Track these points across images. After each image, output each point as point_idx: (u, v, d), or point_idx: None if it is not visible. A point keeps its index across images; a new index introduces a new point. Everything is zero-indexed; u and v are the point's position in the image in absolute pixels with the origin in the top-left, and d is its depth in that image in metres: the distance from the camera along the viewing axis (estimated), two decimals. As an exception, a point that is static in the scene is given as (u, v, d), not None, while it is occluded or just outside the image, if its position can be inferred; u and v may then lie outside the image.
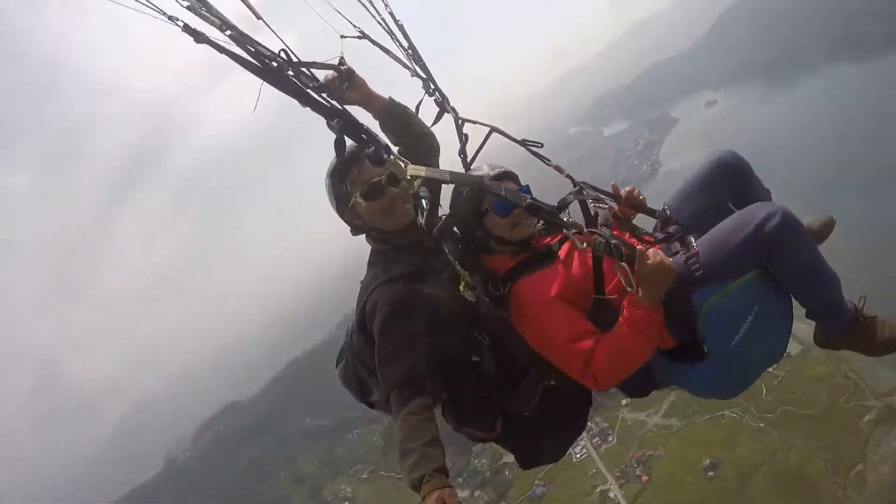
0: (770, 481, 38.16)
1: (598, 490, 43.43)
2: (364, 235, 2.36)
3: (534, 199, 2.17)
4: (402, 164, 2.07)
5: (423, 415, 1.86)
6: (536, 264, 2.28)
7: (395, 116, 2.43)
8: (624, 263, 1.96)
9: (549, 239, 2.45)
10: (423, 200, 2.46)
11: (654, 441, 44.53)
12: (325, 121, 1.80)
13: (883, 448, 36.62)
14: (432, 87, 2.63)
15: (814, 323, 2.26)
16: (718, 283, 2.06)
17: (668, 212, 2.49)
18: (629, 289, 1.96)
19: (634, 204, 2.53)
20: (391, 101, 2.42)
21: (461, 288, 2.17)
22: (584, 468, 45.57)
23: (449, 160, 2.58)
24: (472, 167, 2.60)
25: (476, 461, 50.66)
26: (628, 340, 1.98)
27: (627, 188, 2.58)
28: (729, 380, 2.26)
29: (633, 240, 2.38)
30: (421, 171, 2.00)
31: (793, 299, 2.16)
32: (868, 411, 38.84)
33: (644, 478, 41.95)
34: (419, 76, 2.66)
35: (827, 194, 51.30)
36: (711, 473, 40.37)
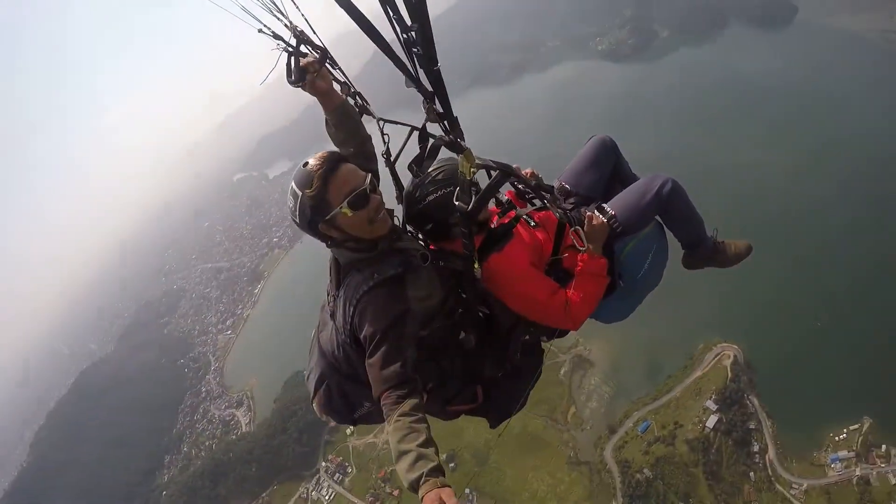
0: (504, 451, 38.95)
1: None
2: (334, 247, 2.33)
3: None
4: (470, 156, 2.20)
5: (417, 416, 1.89)
6: (498, 241, 2.65)
7: (349, 116, 2.49)
8: (577, 227, 2.69)
9: (502, 218, 2.85)
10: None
11: (389, 456, 39.89)
12: (422, 101, 1.92)
13: (584, 389, 43.43)
14: (352, 89, 2.59)
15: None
16: (632, 234, 2.89)
17: (567, 186, 3.21)
18: (581, 248, 2.67)
19: (537, 182, 3.01)
20: (346, 100, 2.49)
21: (475, 267, 2.45)
22: None
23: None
24: (432, 163, 2.59)
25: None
26: (592, 284, 2.68)
27: (528, 170, 3.01)
28: (632, 303, 3.14)
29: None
30: (482, 160, 2.35)
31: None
32: (562, 365, 44.78)
33: (395, 492, 43.82)
34: (342, 81, 2.60)
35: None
36: (452, 465, 42.02)
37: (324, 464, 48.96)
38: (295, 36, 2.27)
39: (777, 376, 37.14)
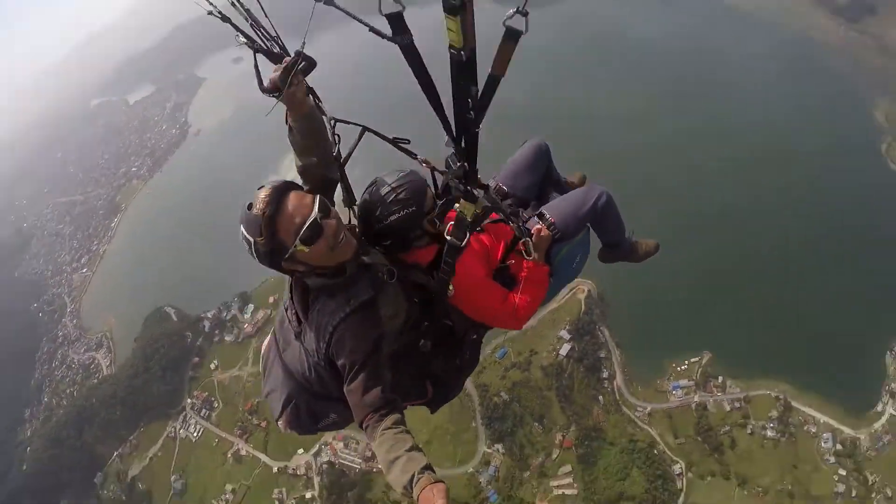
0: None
1: (229, 454, 44.64)
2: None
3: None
4: (481, 202, 2.26)
5: (399, 428, 1.98)
6: (454, 251, 2.52)
7: (315, 125, 2.31)
8: (527, 238, 2.84)
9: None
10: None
11: (256, 389, 44.50)
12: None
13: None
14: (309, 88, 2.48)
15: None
16: (567, 240, 3.15)
17: (505, 188, 3.33)
18: (528, 256, 2.84)
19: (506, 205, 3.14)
20: (314, 107, 2.30)
21: (450, 288, 2.49)
22: (206, 444, 45.78)
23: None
24: (377, 177, 2.62)
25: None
26: (537, 289, 2.90)
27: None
28: (552, 294, 3.30)
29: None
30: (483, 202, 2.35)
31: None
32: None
33: (262, 423, 44.25)
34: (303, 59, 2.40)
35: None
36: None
37: (189, 400, 48.23)
38: (266, 38, 2.18)
39: (626, 310, 40.01)
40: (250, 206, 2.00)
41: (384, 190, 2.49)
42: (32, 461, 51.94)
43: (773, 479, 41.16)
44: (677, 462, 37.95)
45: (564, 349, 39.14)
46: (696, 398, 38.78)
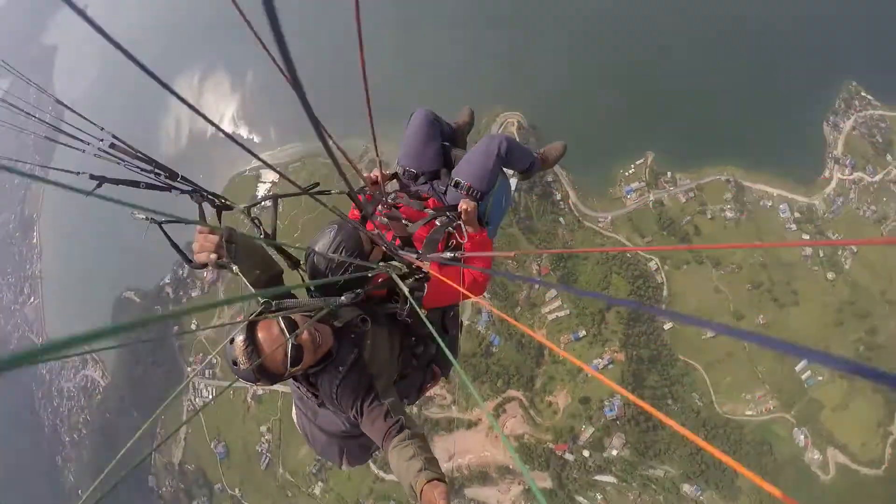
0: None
1: (248, 399, 45.95)
2: None
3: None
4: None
5: (405, 442, 2.26)
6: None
7: (249, 248, 2.49)
8: (458, 223, 3.11)
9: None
10: None
11: None
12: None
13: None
14: (204, 193, 2.63)
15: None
16: (488, 193, 3.31)
17: (413, 170, 3.53)
18: (465, 236, 3.09)
19: (386, 178, 3.33)
20: (239, 234, 2.42)
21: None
22: (224, 400, 46.46)
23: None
24: (312, 247, 2.77)
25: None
26: (483, 258, 3.36)
27: (375, 174, 3.12)
28: (494, 231, 3.59)
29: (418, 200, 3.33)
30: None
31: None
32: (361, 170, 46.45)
33: None
34: (185, 191, 2.58)
35: None
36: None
37: (189, 369, 48.47)
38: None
39: (560, 131, 40.79)
40: (235, 362, 2.21)
41: (328, 256, 2.66)
42: (90, 499, 51.76)
43: (744, 254, 43.91)
44: (651, 259, 40.12)
45: (512, 184, 40.27)
46: (651, 197, 40.68)
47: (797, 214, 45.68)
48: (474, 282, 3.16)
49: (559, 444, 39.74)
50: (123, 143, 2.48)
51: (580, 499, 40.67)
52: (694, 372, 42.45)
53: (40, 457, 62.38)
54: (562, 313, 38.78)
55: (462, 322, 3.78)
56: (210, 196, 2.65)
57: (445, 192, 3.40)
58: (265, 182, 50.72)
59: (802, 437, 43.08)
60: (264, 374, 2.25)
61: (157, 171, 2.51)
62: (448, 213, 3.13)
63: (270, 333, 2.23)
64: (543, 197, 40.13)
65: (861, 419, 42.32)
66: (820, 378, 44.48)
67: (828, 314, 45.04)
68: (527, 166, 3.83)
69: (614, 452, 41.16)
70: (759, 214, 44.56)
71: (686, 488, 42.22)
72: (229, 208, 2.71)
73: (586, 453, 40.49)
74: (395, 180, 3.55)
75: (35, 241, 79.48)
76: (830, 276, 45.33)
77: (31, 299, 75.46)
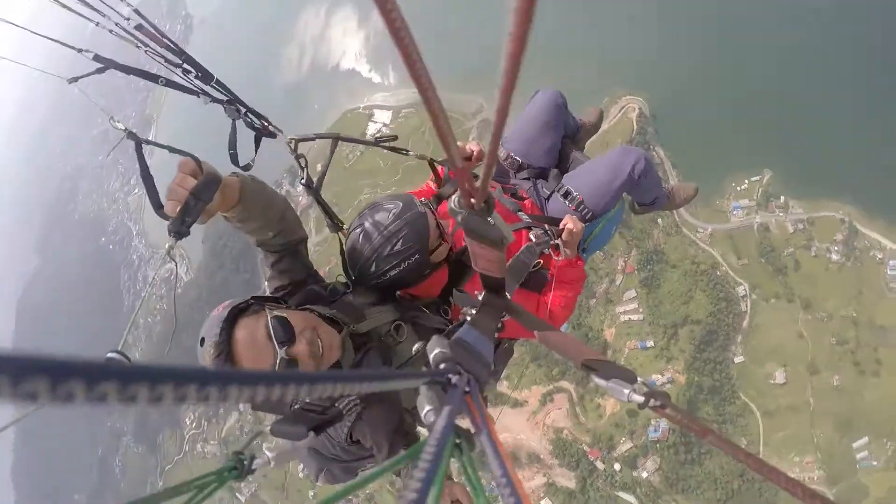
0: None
1: None
2: None
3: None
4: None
5: None
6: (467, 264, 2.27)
7: (257, 198, 1.85)
8: (556, 241, 2.43)
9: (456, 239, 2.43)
10: None
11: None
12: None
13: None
14: (242, 109, 2.19)
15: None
16: (603, 215, 2.77)
17: (518, 158, 2.90)
18: (559, 257, 2.46)
19: (481, 157, 2.51)
20: (243, 178, 1.81)
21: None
22: None
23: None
24: (364, 218, 2.19)
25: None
26: (570, 289, 2.59)
27: (474, 148, 2.46)
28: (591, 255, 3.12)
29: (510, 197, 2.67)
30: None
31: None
32: (469, 131, 44.44)
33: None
34: (217, 100, 2.15)
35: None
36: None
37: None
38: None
39: (681, 128, 38.07)
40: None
41: (376, 240, 2.08)
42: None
43: (838, 304, 40.29)
44: (741, 284, 37.19)
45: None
46: (758, 218, 37.51)
47: (903, 274, 41.67)
48: (553, 315, 2.54)
49: (594, 450, 38.02)
50: (150, 23, 2.04)
51: (599, 509, 39.03)
52: (750, 415, 39.66)
53: (109, 330, 65.55)
54: (636, 317, 36.53)
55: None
56: (249, 113, 2.17)
57: (549, 199, 2.87)
58: (376, 122, 49.69)
59: None
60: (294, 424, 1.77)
61: (186, 67, 2.05)
62: (547, 227, 2.53)
63: (253, 337, 1.71)
64: (646, 191, 37.56)
65: None
66: (875, 463, 41.04)
67: (907, 394, 41.28)
68: (651, 200, 3.26)
69: (644, 475, 39.24)
70: (867, 265, 40.72)
71: (707, 529, 40.02)
72: (272, 135, 2.24)
73: (617, 466, 38.68)
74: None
75: (151, 137, 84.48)
76: (923, 353, 41.30)
77: (136, 191, 79.83)
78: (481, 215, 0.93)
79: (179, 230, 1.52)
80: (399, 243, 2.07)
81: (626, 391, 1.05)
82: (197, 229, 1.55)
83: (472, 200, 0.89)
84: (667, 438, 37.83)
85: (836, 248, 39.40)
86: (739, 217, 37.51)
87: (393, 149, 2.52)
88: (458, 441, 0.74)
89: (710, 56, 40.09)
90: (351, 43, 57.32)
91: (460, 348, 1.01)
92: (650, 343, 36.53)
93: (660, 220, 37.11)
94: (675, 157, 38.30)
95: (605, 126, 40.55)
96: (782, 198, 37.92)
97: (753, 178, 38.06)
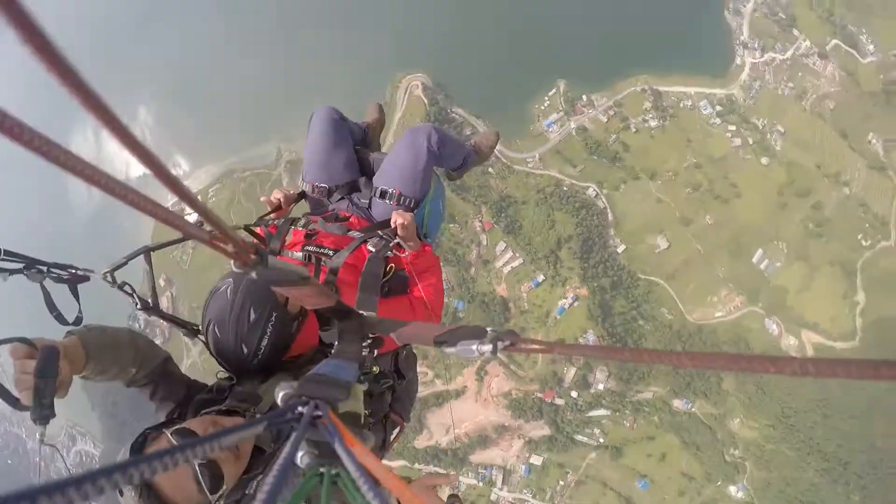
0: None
1: None
2: None
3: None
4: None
5: None
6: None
7: (103, 346, 1.80)
8: (394, 243, 2.47)
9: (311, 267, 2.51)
10: None
11: None
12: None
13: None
14: (44, 267, 2.11)
15: None
16: (424, 197, 2.82)
17: (324, 185, 2.92)
18: (404, 254, 2.52)
19: (291, 200, 2.81)
20: (80, 333, 1.75)
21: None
22: None
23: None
24: (208, 311, 2.12)
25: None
26: (430, 272, 2.65)
27: (278, 196, 2.74)
28: (434, 243, 3.08)
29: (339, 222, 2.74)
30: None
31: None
32: (280, 178, 42.85)
33: None
34: (14, 270, 2.04)
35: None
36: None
37: None
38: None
39: (466, 81, 39.65)
40: None
41: (231, 323, 1.95)
42: None
43: (676, 159, 43.94)
44: (588, 186, 39.48)
45: (432, 147, 38.82)
46: (572, 124, 39.78)
47: (718, 108, 46.08)
48: (428, 311, 2.60)
49: (547, 392, 39.45)
50: None
51: (580, 437, 40.75)
52: (657, 287, 42.68)
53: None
54: (516, 263, 37.84)
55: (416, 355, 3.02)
56: (52, 268, 2.08)
57: (370, 206, 2.90)
58: (190, 213, 46.97)
59: (774, 325, 44.32)
60: None
61: None
62: (380, 233, 2.53)
63: (177, 486, 1.58)
64: (465, 151, 38.58)
65: (826, 295, 43.82)
66: (777, 264, 45.70)
67: (770, 199, 46.01)
68: (460, 162, 3.30)
69: (601, 387, 41.35)
70: (682, 116, 44.56)
71: (677, 403, 43.01)
72: (85, 278, 2.15)
73: (574, 394, 40.45)
74: (303, 201, 2.97)
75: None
76: (764, 161, 46.18)
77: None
78: (262, 265, 0.94)
79: (41, 415, 1.45)
80: (252, 313, 1.97)
81: (474, 347, 1.06)
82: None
83: (252, 257, 0.91)
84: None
85: (650, 116, 42.75)
86: (556, 131, 39.61)
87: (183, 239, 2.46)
88: (333, 472, 0.82)
89: (458, 13, 41.42)
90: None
91: (307, 382, 1.03)
92: (540, 277, 38.09)
93: (491, 170, 38.43)
94: (475, 110, 39.59)
95: (398, 113, 41.10)
96: (584, 97, 40.38)
97: (551, 93, 40.19)
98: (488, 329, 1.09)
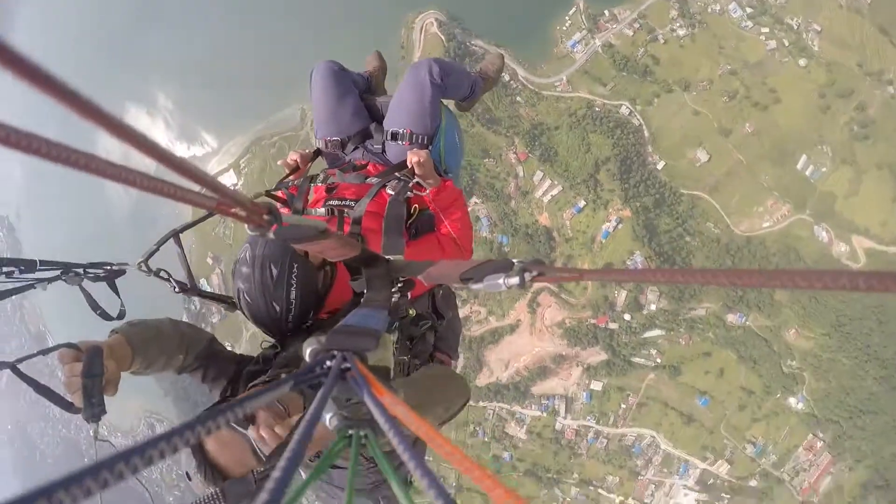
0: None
1: None
2: None
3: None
4: None
5: None
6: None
7: (148, 340, 1.83)
8: (413, 182, 2.49)
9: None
10: None
11: None
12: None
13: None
14: (80, 270, 2.13)
15: None
16: (436, 133, 2.79)
17: (335, 138, 2.90)
18: (425, 192, 2.55)
19: (307, 159, 2.80)
20: (122, 330, 1.80)
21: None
22: None
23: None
24: (235, 278, 2.13)
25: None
26: (455, 207, 2.63)
27: (294, 157, 2.75)
28: (460, 166, 3.16)
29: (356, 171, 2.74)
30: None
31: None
32: (306, 139, 42.95)
33: None
34: (53, 278, 2.08)
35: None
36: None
37: None
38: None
39: (482, 11, 38.09)
40: (214, 499, 1.59)
41: (256, 286, 1.98)
42: None
43: (710, 67, 42.02)
44: (621, 104, 38.35)
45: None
46: (598, 42, 38.29)
47: (749, 9, 43.52)
48: (457, 247, 2.58)
49: (600, 318, 39.58)
50: None
51: (637, 359, 40.98)
52: (701, 201, 41.66)
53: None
54: (555, 191, 37.43)
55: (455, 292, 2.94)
56: (88, 269, 2.11)
57: (384, 151, 2.89)
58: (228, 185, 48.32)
59: (824, 232, 42.95)
60: (244, 486, 1.57)
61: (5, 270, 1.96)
62: (398, 175, 2.53)
63: (220, 438, 1.68)
64: (492, 83, 37.82)
65: (875, 199, 42.13)
66: (823, 169, 43.87)
67: (812, 102, 43.82)
68: (468, 91, 3.26)
69: (653, 307, 41.17)
70: (712, 22, 42.32)
71: (731, 318, 42.58)
72: (121, 272, 2.22)
73: (627, 317, 40.47)
74: (319, 158, 2.95)
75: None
76: (802, 62, 43.78)
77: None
78: (276, 223, 0.94)
79: (92, 414, 1.52)
80: (273, 269, 2.01)
81: (500, 281, 1.04)
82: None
83: (264, 218, 0.91)
84: (649, 266, 39.59)
85: (678, 25, 40.73)
86: (581, 51, 38.25)
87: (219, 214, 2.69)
88: (362, 434, 0.79)
89: None
90: (157, 135, 55.24)
91: (334, 334, 1.03)
92: (581, 203, 37.67)
93: (519, 98, 37.61)
94: (494, 39, 38.49)
95: (417, 54, 40.43)
96: (605, 12, 38.75)
97: (571, 12, 38.66)
98: (514, 261, 1.04)
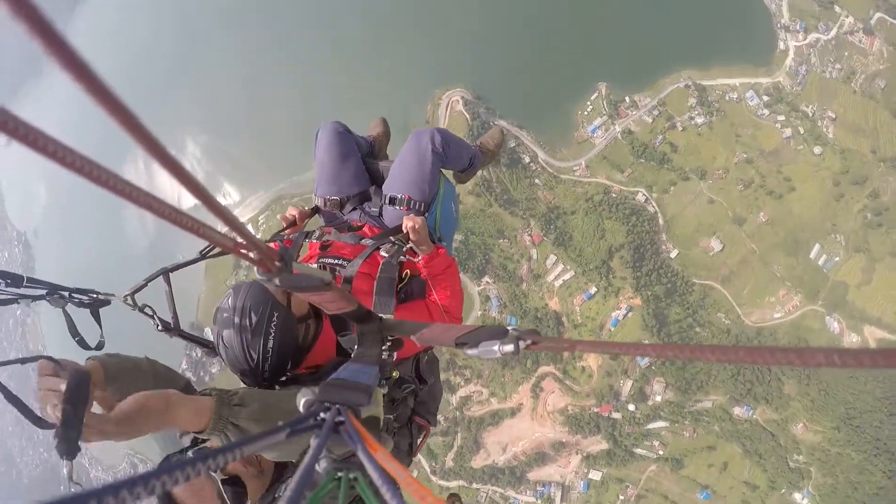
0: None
1: None
2: None
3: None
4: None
5: None
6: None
7: (123, 374, 1.83)
8: (406, 247, 2.49)
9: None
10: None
11: None
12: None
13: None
14: (66, 293, 2.14)
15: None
16: (433, 200, 2.87)
17: (335, 198, 2.95)
18: (418, 258, 2.53)
19: (305, 215, 2.83)
20: (100, 359, 1.77)
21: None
22: None
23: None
24: (216, 329, 2.12)
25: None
26: (446, 276, 2.60)
27: (293, 212, 2.76)
28: (450, 247, 3.18)
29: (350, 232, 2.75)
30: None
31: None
32: None
33: None
34: (38, 297, 2.10)
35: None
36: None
37: None
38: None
39: (507, 91, 38.42)
40: None
41: (235, 331, 1.95)
42: None
43: (725, 156, 41.98)
44: (637, 191, 38.00)
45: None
46: (617, 128, 38.25)
47: (766, 98, 43.90)
48: (447, 308, 2.56)
49: (604, 406, 38.30)
50: None
51: (639, 450, 39.50)
52: (712, 291, 40.95)
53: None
54: (567, 276, 36.74)
55: (439, 359, 2.90)
56: (74, 293, 2.11)
57: (381, 214, 2.92)
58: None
59: (835, 323, 42.23)
60: None
61: None
62: (392, 239, 2.54)
63: (189, 483, 1.61)
64: (512, 164, 37.53)
65: (888, 288, 41.78)
66: (836, 258, 43.44)
67: (826, 190, 43.78)
68: (467, 162, 3.33)
69: (658, 398, 39.99)
70: (729, 110, 42.54)
71: (737, 411, 41.39)
72: (106, 302, 2.19)
73: (632, 407, 39.20)
74: (317, 216, 2.97)
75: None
76: (817, 150, 43.90)
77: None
78: (286, 271, 0.93)
79: (68, 449, 1.23)
80: (253, 317, 1.94)
81: (495, 347, 1.05)
82: None
83: (276, 264, 0.92)
84: (657, 358, 38.54)
85: (696, 113, 40.87)
86: (601, 136, 38.18)
87: (219, 254, 2.47)
88: (350, 476, 0.81)
89: (490, 23, 40.08)
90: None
91: (327, 387, 1.02)
92: (593, 289, 36.88)
93: (537, 181, 37.33)
94: (518, 121, 38.49)
95: (442, 124, 39.79)
96: (626, 98, 38.83)
97: (593, 97, 38.74)
98: (509, 328, 1.06)
